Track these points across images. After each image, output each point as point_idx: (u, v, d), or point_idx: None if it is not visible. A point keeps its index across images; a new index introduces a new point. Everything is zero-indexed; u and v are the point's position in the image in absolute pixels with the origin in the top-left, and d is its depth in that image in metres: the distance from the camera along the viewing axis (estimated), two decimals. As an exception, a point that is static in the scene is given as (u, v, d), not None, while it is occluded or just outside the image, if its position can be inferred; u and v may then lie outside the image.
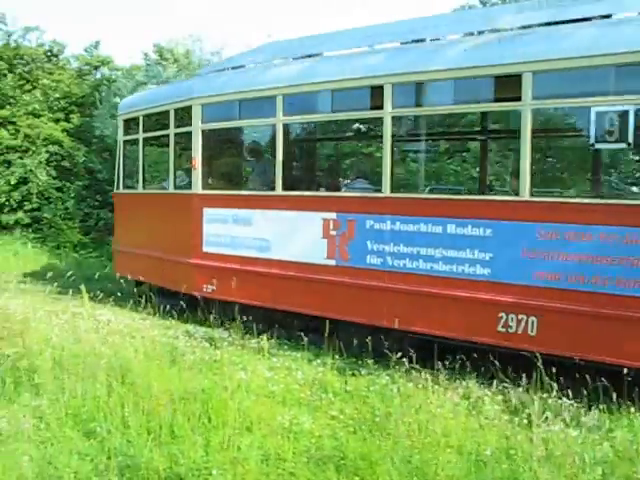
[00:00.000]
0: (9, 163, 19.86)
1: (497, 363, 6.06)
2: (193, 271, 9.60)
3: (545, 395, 5.43)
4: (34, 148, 19.97)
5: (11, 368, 6.16)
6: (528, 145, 6.44)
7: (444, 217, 6.94)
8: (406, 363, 5.99)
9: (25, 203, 19.79)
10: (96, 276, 10.22)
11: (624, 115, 5.83)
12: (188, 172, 10.00)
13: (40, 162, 19.78)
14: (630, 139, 5.84)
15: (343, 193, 8.51)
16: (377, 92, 7.55)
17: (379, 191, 7.55)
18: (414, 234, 7.15)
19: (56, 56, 22.23)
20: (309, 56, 8.81)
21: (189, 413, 5.12)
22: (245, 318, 8.09)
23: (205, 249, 9.49)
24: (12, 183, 19.42)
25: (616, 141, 5.93)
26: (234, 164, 11.13)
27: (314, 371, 6.62)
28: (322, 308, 7.84)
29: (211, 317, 7.98)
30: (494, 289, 6.59)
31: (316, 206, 8.16)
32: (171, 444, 4.77)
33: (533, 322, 6.33)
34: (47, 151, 20.03)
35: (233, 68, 10.01)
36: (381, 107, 7.47)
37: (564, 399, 5.41)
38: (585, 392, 5.58)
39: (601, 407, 5.28)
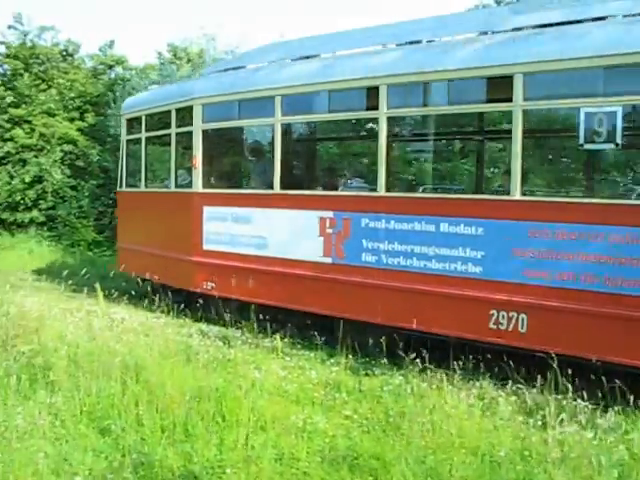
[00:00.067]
0: (24, 162, 20.01)
1: (511, 364, 6.03)
2: (193, 268, 9.76)
3: (560, 397, 5.39)
4: (49, 147, 20.11)
5: (27, 365, 6.20)
6: (519, 145, 6.52)
7: (437, 216, 7.05)
8: (419, 363, 5.97)
9: (40, 202, 19.94)
10: (111, 274, 10.24)
11: (612, 116, 5.91)
12: (189, 171, 10.14)
13: (55, 161, 19.93)
14: (618, 139, 5.92)
15: (339, 192, 8.62)
16: (373, 93, 7.66)
17: (374, 190, 7.67)
18: (408, 232, 7.26)
19: (71, 55, 22.36)
20: (307, 57, 8.92)
21: (203, 412, 5.13)
22: (244, 315, 8.23)
23: (205, 247, 9.64)
24: (27, 181, 19.54)
25: (605, 141, 6.02)
26: (234, 163, 11.29)
27: (327, 371, 6.62)
28: (319, 305, 7.95)
29: (227, 316, 8.01)
30: (486, 287, 6.68)
31: (313, 205, 8.28)
32: (185, 442, 4.78)
33: (523, 319, 6.41)
34: (62, 150, 20.19)
35: (234, 69, 10.15)
36: (377, 108, 7.58)
37: (579, 401, 5.37)
38: (600, 394, 5.53)
39: (617, 409, 5.23)
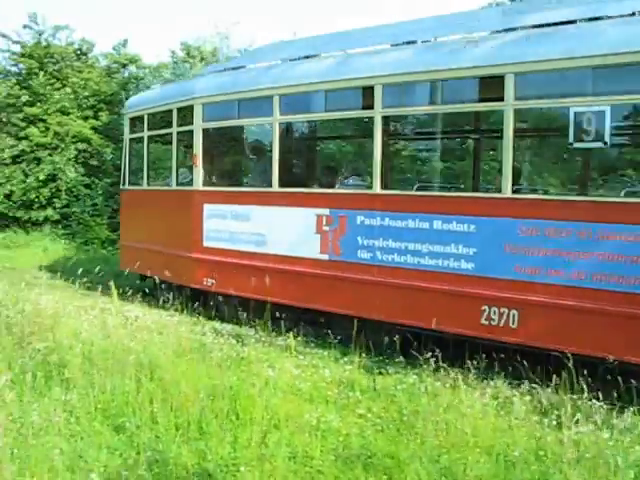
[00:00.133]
0: (39, 160, 20.11)
1: (525, 363, 6.00)
2: (194, 265, 9.94)
3: (575, 396, 5.36)
4: (63, 145, 20.19)
5: (42, 362, 6.23)
6: (510, 144, 6.66)
7: (431, 213, 7.20)
8: (433, 362, 5.96)
9: (54, 200, 20.03)
10: (126, 272, 10.28)
11: (601, 115, 6.01)
12: (191, 169, 10.30)
13: (69, 159, 20.03)
14: (606, 138, 6.03)
15: (336, 190, 8.74)
16: (368, 93, 7.83)
17: (370, 188, 7.82)
18: (402, 230, 7.43)
19: (85, 54, 22.46)
20: (306, 57, 9.04)
21: (217, 410, 5.14)
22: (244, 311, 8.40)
23: (205, 244, 9.84)
24: (41, 179, 19.64)
25: (593, 140, 6.12)
26: (234, 161, 11.44)
27: (341, 369, 6.62)
28: (317, 301, 8.10)
29: (244, 315, 8.07)
30: (478, 283, 6.83)
31: (310, 202, 8.45)
32: (199, 440, 4.79)
33: (514, 315, 6.54)
34: (76, 148, 20.27)
35: (233, 69, 10.29)
36: (372, 107, 7.73)
37: (594, 401, 5.34)
38: (616, 394, 5.50)
39: (633, 409, 5.19)
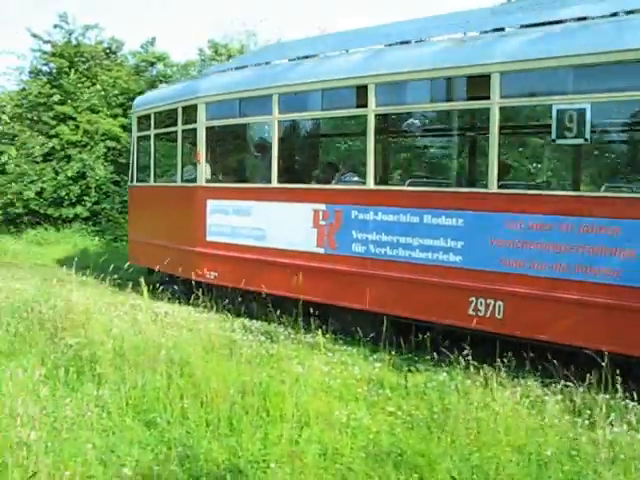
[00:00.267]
0: (69, 158, 20.35)
1: (556, 362, 5.94)
2: (198, 259, 10.22)
3: (608, 396, 5.29)
4: (92, 143, 20.41)
5: (74, 357, 6.30)
6: (496, 140, 6.86)
7: (421, 208, 7.44)
8: (463, 360, 5.91)
9: (84, 197, 20.25)
10: (156, 269, 10.37)
11: (582, 113, 6.21)
12: (195, 166, 10.55)
13: (98, 157, 20.21)
14: (587, 135, 6.24)
15: (332, 185, 8.88)
16: (362, 91, 8.08)
17: (364, 184, 8.07)
18: (394, 224, 7.67)
19: (114, 53, 22.69)
20: (305, 57, 9.29)
21: (247, 406, 5.15)
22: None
23: (208, 238, 10.15)
24: (70, 176, 19.86)
25: (575, 137, 6.32)
26: (235, 158, 11.70)
27: (370, 367, 6.61)
28: (314, 293, 8.29)
29: (275, 313, 8.12)
30: (465, 275, 7.05)
31: (307, 198, 8.74)
32: (230, 436, 4.81)
33: (500, 306, 6.76)
34: (105, 146, 20.47)
35: (236, 68, 10.55)
36: (365, 105, 7.98)
37: (628, 401, 5.27)
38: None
39: (668, 409, 5.12)
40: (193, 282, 9.16)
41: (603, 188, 6.61)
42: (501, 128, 6.96)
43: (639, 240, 5.94)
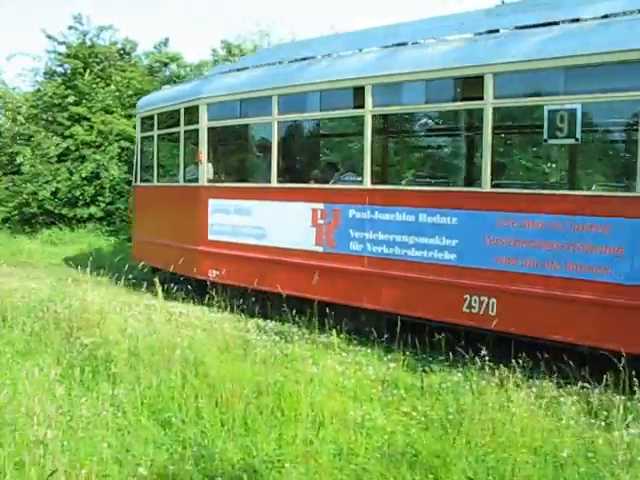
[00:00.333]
0: (83, 158, 20.45)
1: (571, 363, 5.90)
2: (200, 257, 10.38)
3: (625, 397, 5.25)
4: (107, 143, 20.50)
5: (89, 357, 6.33)
6: (489, 140, 6.98)
7: (416, 207, 7.58)
8: (478, 361, 5.89)
9: (98, 197, 20.35)
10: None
11: (573, 113, 6.33)
12: (197, 166, 10.70)
13: (112, 157, 20.30)
14: (578, 135, 6.36)
15: (330, 185, 9.02)
16: (359, 92, 8.23)
17: (360, 183, 8.22)
18: (390, 222, 7.83)
19: (128, 54, 22.77)
20: (303, 59, 9.47)
21: (262, 406, 5.16)
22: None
23: (210, 237, 10.32)
24: (84, 176, 19.97)
25: (566, 137, 6.44)
26: (236, 158, 11.90)
27: (385, 367, 6.59)
28: (313, 291, 8.33)
29: (289, 314, 8.13)
30: (460, 273, 7.18)
31: (306, 197, 8.89)
32: (245, 436, 4.81)
33: (493, 303, 6.89)
34: (119, 146, 20.56)
35: (237, 70, 10.73)
36: (363, 106, 8.14)
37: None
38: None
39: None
40: (193, 281, 9.29)
41: (593, 187, 6.78)
42: (494, 128, 7.08)
43: (625, 238, 6.06)
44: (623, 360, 5.36)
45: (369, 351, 7.31)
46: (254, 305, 9.30)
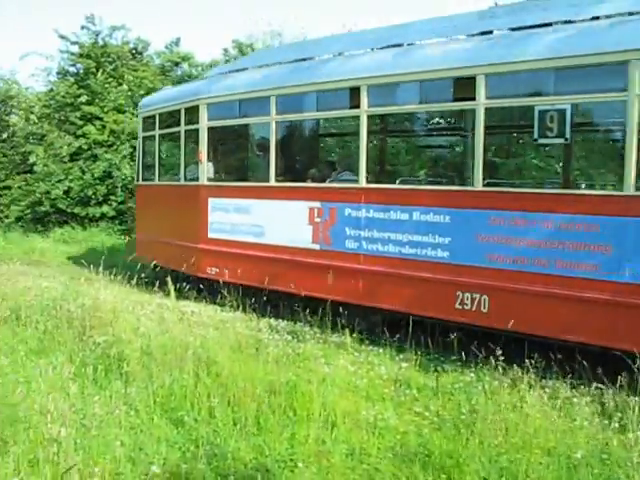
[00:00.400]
0: (95, 157, 20.53)
1: (585, 364, 5.87)
2: (200, 255, 10.49)
3: (638, 398, 5.21)
4: (118, 143, 20.57)
5: (102, 355, 6.36)
6: (482, 140, 7.07)
7: (410, 205, 7.70)
8: (492, 361, 5.86)
9: (110, 196, 20.41)
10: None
11: (562, 113, 6.41)
12: (198, 165, 10.82)
13: (124, 156, 20.35)
14: (567, 135, 6.45)
15: (326, 184, 9.15)
16: (355, 93, 8.36)
17: (356, 182, 8.34)
18: (385, 221, 7.95)
19: (140, 53, 22.84)
20: (302, 60, 9.60)
21: (274, 406, 5.16)
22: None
23: (210, 235, 10.46)
24: (96, 175, 20.05)
25: (556, 136, 6.52)
26: (235, 158, 12.05)
27: (397, 367, 6.57)
28: (311, 288, 8.58)
29: (303, 314, 8.19)
30: (453, 270, 7.28)
31: (303, 196, 9.03)
32: (257, 436, 4.81)
33: (485, 300, 6.98)
34: (131, 146, 20.58)
35: (236, 71, 10.88)
36: (358, 106, 8.27)
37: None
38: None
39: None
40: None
41: (583, 186, 6.90)
42: (486, 128, 7.16)
43: (613, 237, 6.13)
44: (638, 361, 5.32)
45: (381, 351, 7.30)
46: (266, 305, 9.32)
